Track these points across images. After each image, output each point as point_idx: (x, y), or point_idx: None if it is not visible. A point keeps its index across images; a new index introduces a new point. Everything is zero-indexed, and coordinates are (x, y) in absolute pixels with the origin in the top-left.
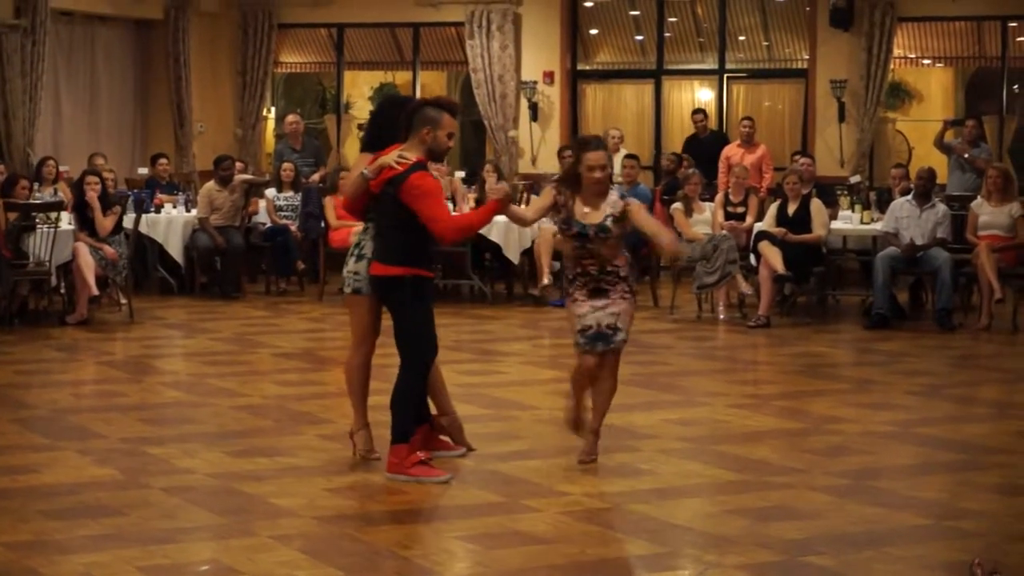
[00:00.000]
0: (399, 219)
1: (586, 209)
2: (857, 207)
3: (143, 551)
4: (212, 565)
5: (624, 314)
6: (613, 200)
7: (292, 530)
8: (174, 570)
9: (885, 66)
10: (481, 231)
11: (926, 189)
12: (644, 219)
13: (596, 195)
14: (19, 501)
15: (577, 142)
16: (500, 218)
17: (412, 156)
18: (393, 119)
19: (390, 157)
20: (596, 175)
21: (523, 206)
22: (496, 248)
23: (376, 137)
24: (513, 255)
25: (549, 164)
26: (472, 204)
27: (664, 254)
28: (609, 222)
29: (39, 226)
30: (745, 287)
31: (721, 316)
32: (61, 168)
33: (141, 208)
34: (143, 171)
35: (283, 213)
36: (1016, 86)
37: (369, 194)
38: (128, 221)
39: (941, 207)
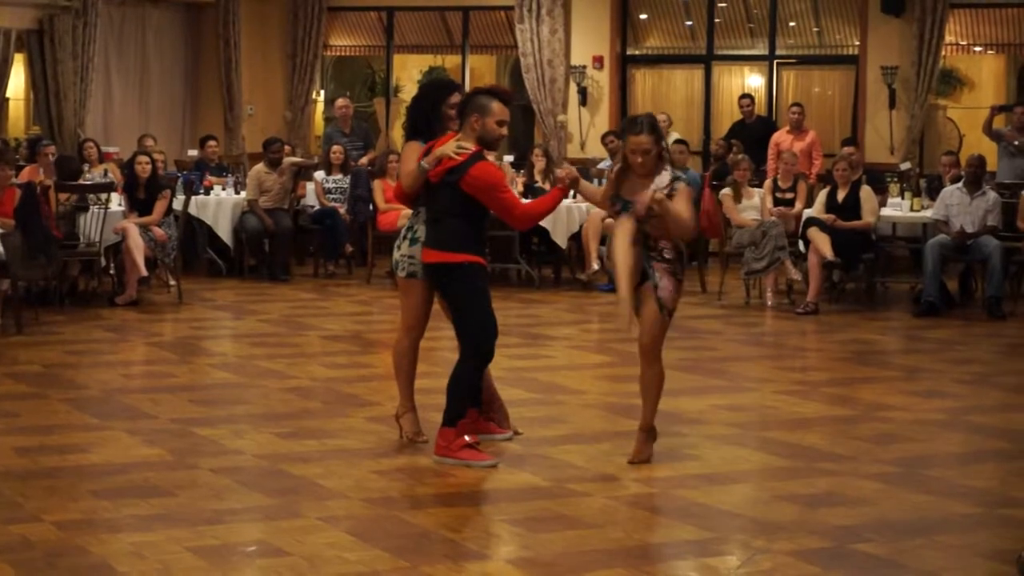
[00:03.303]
0: (457, 207)
1: (634, 187)
2: (907, 194)
3: (192, 531)
4: (260, 546)
5: (666, 289)
6: (663, 180)
7: (340, 512)
8: (222, 550)
9: (936, 52)
10: None
11: (976, 176)
12: (678, 206)
13: (642, 176)
14: (69, 480)
15: (624, 123)
16: None
17: (470, 146)
18: (436, 104)
19: (448, 147)
20: (637, 159)
21: (572, 192)
22: (544, 232)
23: (419, 122)
24: (561, 239)
25: (598, 149)
26: (521, 188)
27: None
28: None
29: (90, 207)
30: (794, 273)
31: (769, 302)
32: (111, 149)
33: (190, 190)
34: (193, 153)
35: (332, 196)
36: None
37: (426, 183)
38: (177, 203)
39: (992, 194)
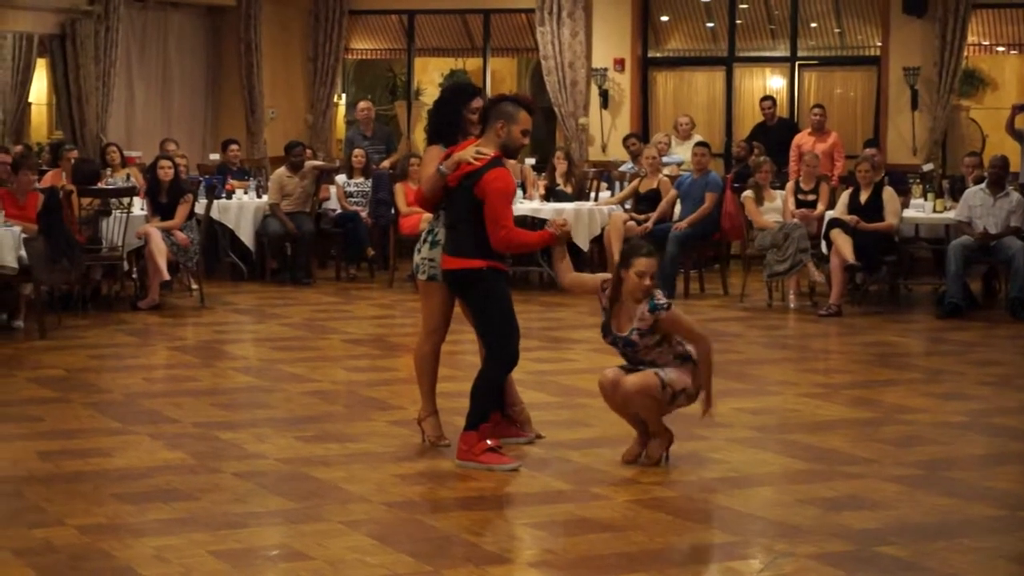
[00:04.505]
0: (474, 213)
1: (622, 316)
2: (930, 195)
3: (214, 535)
4: (282, 550)
5: (670, 374)
6: (640, 312)
7: (362, 516)
8: (245, 554)
9: (959, 53)
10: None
11: (999, 177)
12: (680, 326)
13: (634, 302)
14: (92, 484)
15: (630, 246)
16: (570, 205)
17: (489, 151)
18: (457, 108)
19: (467, 152)
20: (646, 282)
21: (594, 195)
22: None
23: (441, 126)
24: (582, 242)
25: (619, 151)
26: (542, 191)
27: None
28: (634, 336)
29: (113, 211)
30: (817, 275)
31: (792, 304)
32: (133, 154)
33: (212, 194)
34: (215, 157)
35: (353, 199)
36: None
37: (445, 188)
38: (199, 207)
39: (1015, 195)
